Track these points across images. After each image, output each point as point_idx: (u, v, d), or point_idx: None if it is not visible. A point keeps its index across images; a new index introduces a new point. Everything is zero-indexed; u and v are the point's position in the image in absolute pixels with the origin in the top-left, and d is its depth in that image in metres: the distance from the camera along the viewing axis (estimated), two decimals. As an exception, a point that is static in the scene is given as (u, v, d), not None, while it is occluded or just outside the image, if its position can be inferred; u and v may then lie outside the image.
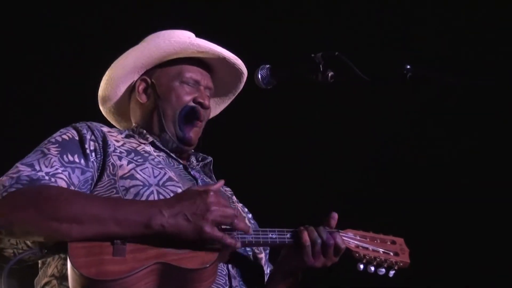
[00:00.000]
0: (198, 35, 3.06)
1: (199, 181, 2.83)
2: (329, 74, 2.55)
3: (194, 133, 2.92)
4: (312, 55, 2.57)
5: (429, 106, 4.79)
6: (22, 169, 2.45)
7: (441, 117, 4.93)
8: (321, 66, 2.55)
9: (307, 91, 4.12)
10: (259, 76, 2.71)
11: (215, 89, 3.09)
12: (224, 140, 3.37)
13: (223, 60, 3.02)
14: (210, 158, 3.01)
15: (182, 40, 2.96)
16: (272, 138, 5.07)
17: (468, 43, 4.67)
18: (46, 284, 2.51)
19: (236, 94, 3.23)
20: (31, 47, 5.06)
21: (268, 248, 2.92)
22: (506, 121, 4.57)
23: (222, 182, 2.53)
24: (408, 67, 2.37)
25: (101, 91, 3.07)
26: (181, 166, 2.86)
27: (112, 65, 3.01)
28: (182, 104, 2.90)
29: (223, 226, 2.44)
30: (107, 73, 3.02)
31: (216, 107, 3.23)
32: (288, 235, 2.61)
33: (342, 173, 5.10)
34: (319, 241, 2.58)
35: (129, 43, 3.05)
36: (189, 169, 2.87)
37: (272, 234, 2.60)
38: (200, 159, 3.00)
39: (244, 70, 3.06)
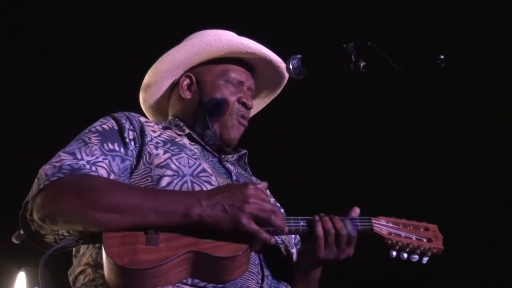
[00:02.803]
0: (226, 25, 3.08)
1: (233, 173, 2.84)
2: (361, 64, 2.52)
3: (239, 133, 2.96)
4: (344, 45, 2.55)
5: (462, 96, 4.74)
6: (64, 157, 2.48)
7: (477, 107, 4.88)
8: (353, 56, 2.52)
9: (339, 81, 4.11)
10: (291, 66, 2.69)
11: (255, 90, 3.11)
12: (258, 132, 3.37)
13: (267, 61, 3.04)
14: (244, 151, 3.02)
15: (231, 39, 2.99)
16: (304, 129, 5.06)
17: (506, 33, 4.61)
18: (80, 272, 2.55)
19: (274, 96, 3.26)
20: (74, 37, 5.11)
21: (300, 244, 2.92)
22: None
23: (266, 184, 2.56)
24: (442, 57, 2.34)
25: (145, 81, 3.09)
26: (215, 159, 2.88)
27: (160, 58, 3.02)
28: (227, 104, 2.92)
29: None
30: (154, 65, 3.04)
31: (254, 108, 3.22)
32: (302, 223, 2.61)
33: (374, 162, 5.08)
34: (332, 231, 2.57)
35: (169, 40, 3.08)
36: (224, 162, 2.88)
37: (288, 222, 2.59)
38: (235, 152, 3.01)
39: (286, 74, 3.06)
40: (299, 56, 2.70)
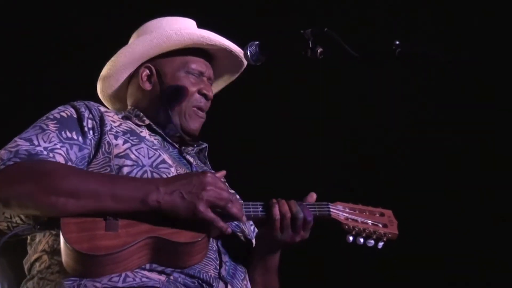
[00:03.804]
0: (186, 13, 3.06)
1: (193, 165, 2.85)
2: (318, 51, 2.52)
3: (198, 124, 2.95)
4: (301, 31, 2.55)
5: (419, 82, 4.80)
6: (21, 143, 2.46)
7: (431, 92, 4.94)
8: (310, 42, 2.53)
9: (296, 67, 4.12)
10: (248, 53, 2.69)
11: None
12: (217, 126, 3.37)
13: (227, 52, 3.04)
14: (205, 144, 3.02)
15: (192, 32, 2.98)
16: (263, 118, 5.05)
17: (461, 19, 4.67)
18: (36, 260, 2.53)
19: (230, 81, 3.26)
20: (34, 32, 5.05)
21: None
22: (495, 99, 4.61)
23: (224, 172, 2.57)
24: (397, 42, 2.36)
25: (103, 73, 3.06)
26: (176, 150, 2.88)
27: (119, 51, 3.00)
28: (187, 93, 2.91)
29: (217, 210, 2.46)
30: (113, 58, 3.01)
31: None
32: (261, 208, 2.64)
33: (330, 150, 5.11)
34: (288, 215, 2.60)
35: (129, 29, 3.07)
36: (184, 154, 2.88)
37: (246, 207, 2.62)
38: (195, 145, 3.00)
39: (245, 62, 3.07)
40: (257, 42, 2.69)
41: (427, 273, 5.03)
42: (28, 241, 2.62)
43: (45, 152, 2.45)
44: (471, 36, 4.49)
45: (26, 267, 2.59)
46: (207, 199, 2.39)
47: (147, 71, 2.98)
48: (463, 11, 4.60)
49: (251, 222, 2.89)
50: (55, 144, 2.50)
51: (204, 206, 2.38)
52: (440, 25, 4.69)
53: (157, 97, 2.94)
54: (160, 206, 2.36)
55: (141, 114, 2.90)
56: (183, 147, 2.93)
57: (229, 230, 2.45)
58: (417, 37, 4.33)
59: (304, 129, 5.09)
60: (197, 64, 2.98)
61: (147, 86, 2.97)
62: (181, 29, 2.99)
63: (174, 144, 2.90)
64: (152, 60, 2.99)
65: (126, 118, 2.85)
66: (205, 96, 2.95)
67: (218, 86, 3.26)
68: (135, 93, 3.02)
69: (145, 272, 2.37)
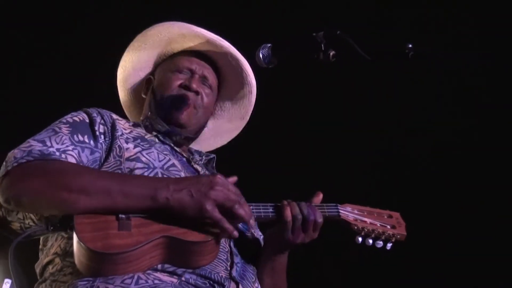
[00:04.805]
0: (196, 16, 3.09)
1: (201, 173, 2.86)
2: (331, 53, 2.53)
3: (184, 114, 2.95)
4: (314, 34, 2.56)
5: (430, 84, 4.81)
6: (34, 144, 2.49)
7: (442, 94, 4.96)
8: (322, 45, 2.54)
9: (308, 70, 4.14)
10: (260, 55, 2.70)
11: (227, 102, 3.19)
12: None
13: (228, 58, 3.05)
14: (213, 155, 3.06)
15: (170, 26, 3.02)
16: (270, 121, 5.06)
17: (473, 20, 4.69)
18: (48, 263, 2.54)
19: (250, 106, 3.27)
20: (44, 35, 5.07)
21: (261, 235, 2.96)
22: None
23: (235, 178, 2.57)
24: (410, 45, 2.37)
25: (121, 96, 3.23)
26: (184, 159, 2.90)
27: (119, 68, 3.12)
28: (170, 88, 2.95)
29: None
30: (119, 69, 3.14)
31: (234, 127, 3.32)
32: (271, 210, 2.67)
33: (340, 152, 5.12)
34: (299, 216, 2.63)
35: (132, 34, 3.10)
36: (192, 163, 2.90)
37: (257, 209, 2.66)
38: (204, 155, 3.04)
39: (245, 65, 3.08)
40: (269, 45, 2.70)
41: (433, 272, 5.05)
42: (40, 246, 2.66)
43: (57, 153, 2.48)
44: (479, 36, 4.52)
45: (38, 270, 2.61)
46: (215, 198, 2.40)
47: (148, 82, 3.11)
48: (475, 11, 4.63)
49: (260, 233, 2.93)
50: (67, 146, 2.53)
51: (211, 205, 2.39)
52: (453, 26, 4.71)
53: (150, 100, 3.04)
54: (169, 203, 2.38)
55: (149, 125, 2.95)
56: (191, 157, 2.96)
57: (236, 233, 2.43)
58: (430, 39, 4.34)
59: (312, 131, 5.10)
60: (187, 61, 3.02)
61: (145, 94, 3.09)
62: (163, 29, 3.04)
63: (182, 153, 2.92)
64: (153, 71, 3.11)
65: (136, 126, 2.89)
66: (187, 88, 2.96)
67: (242, 119, 3.32)
68: (144, 104, 3.12)
69: (157, 274, 2.38)
